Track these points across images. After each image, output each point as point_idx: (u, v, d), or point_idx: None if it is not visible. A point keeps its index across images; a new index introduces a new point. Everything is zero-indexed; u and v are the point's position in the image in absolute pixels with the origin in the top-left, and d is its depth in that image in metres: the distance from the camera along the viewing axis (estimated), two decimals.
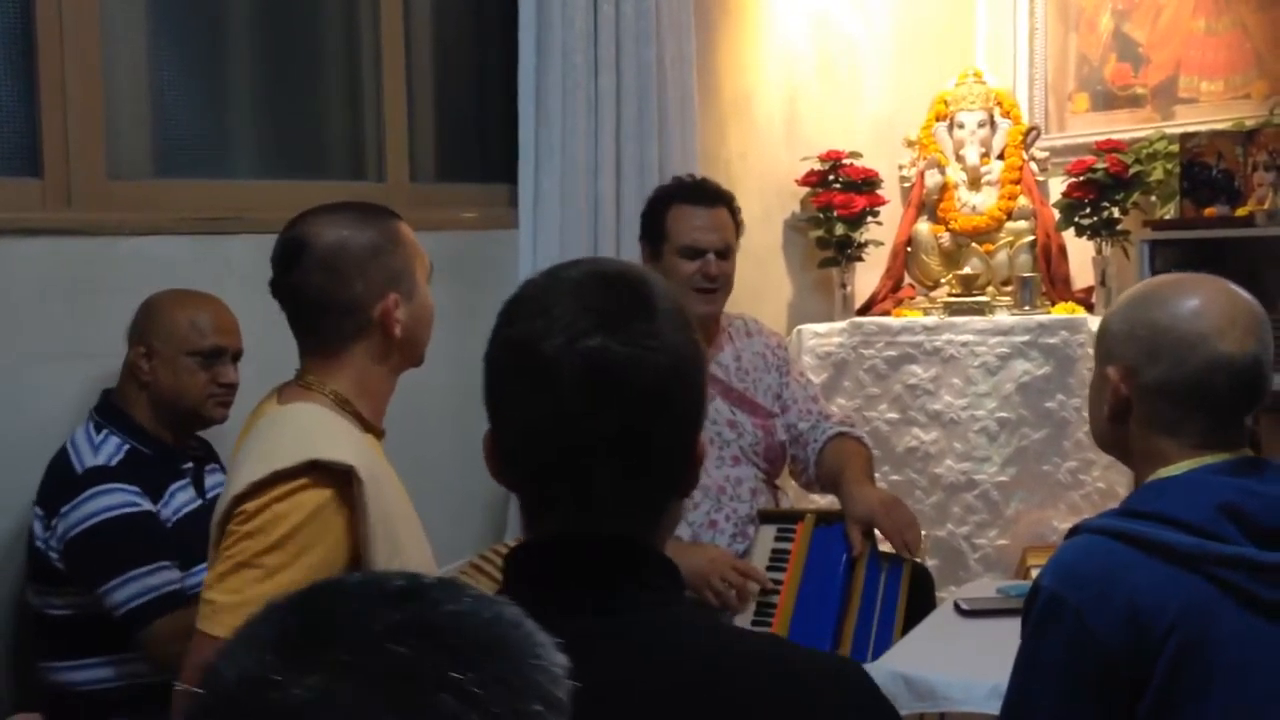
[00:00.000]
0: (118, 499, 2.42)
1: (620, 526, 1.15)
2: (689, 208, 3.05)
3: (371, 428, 1.94)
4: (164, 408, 2.56)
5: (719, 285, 3.07)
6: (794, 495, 3.53)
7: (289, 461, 1.75)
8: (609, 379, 1.10)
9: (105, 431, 2.51)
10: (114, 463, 2.47)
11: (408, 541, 1.85)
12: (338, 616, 0.73)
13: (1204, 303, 1.63)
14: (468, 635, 0.74)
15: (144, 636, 2.37)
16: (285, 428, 1.85)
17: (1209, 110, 3.93)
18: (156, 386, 2.55)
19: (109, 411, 2.55)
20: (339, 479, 1.77)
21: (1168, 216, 3.83)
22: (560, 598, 1.13)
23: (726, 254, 3.07)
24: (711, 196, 3.10)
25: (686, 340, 1.16)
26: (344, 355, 1.90)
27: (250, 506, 1.75)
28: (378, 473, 1.83)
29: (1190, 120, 3.93)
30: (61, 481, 2.46)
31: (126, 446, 2.50)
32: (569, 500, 1.15)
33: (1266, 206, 3.51)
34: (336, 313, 1.88)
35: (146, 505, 2.46)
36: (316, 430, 1.83)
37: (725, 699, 1.08)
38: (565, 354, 1.11)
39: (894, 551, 2.78)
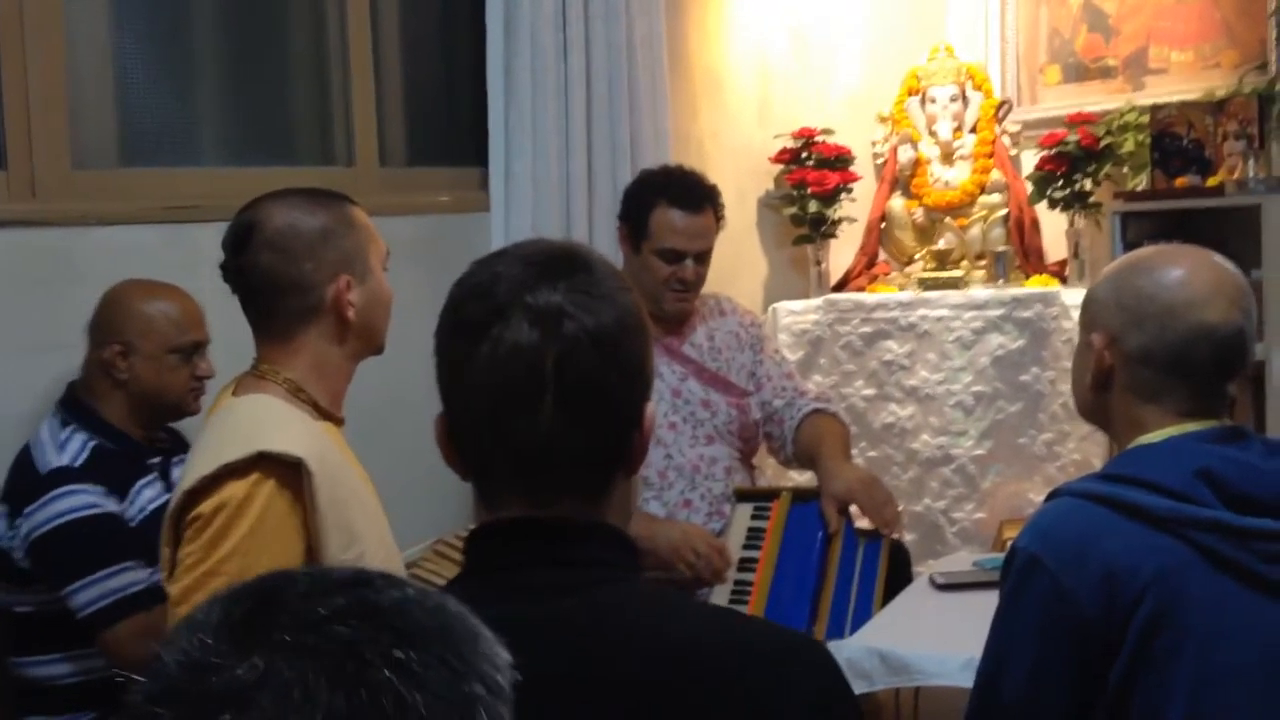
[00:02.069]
0: (81, 500, 2.39)
1: (566, 507, 1.16)
2: (675, 211, 3.03)
3: (329, 415, 1.92)
4: (142, 404, 2.53)
5: (692, 287, 3.07)
6: (770, 474, 3.53)
7: (238, 454, 1.74)
8: (557, 320, 1.13)
9: (70, 428, 2.48)
10: (79, 462, 2.44)
11: (365, 529, 1.83)
12: (281, 602, 0.73)
13: (1189, 273, 1.64)
14: (410, 618, 0.74)
15: (107, 638, 2.35)
16: (236, 420, 1.83)
17: (1179, 81, 3.93)
18: (136, 384, 2.51)
19: (75, 407, 2.52)
20: (289, 470, 1.75)
21: (1139, 188, 3.84)
22: (507, 581, 1.14)
23: (704, 258, 3.07)
24: (699, 199, 3.06)
25: (631, 302, 1.19)
26: (297, 339, 1.89)
27: (206, 508, 1.73)
28: (331, 460, 1.81)
29: (1161, 91, 3.93)
30: (25, 481, 2.43)
31: (92, 443, 2.47)
32: (515, 480, 1.16)
33: (1236, 176, 3.52)
34: (286, 294, 1.87)
35: (111, 506, 2.43)
36: (266, 421, 1.81)
37: (674, 678, 1.08)
38: (513, 304, 1.14)
39: (871, 528, 2.79)
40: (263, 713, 0.67)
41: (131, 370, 2.51)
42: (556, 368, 1.12)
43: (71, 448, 2.45)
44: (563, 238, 3.38)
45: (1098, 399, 1.70)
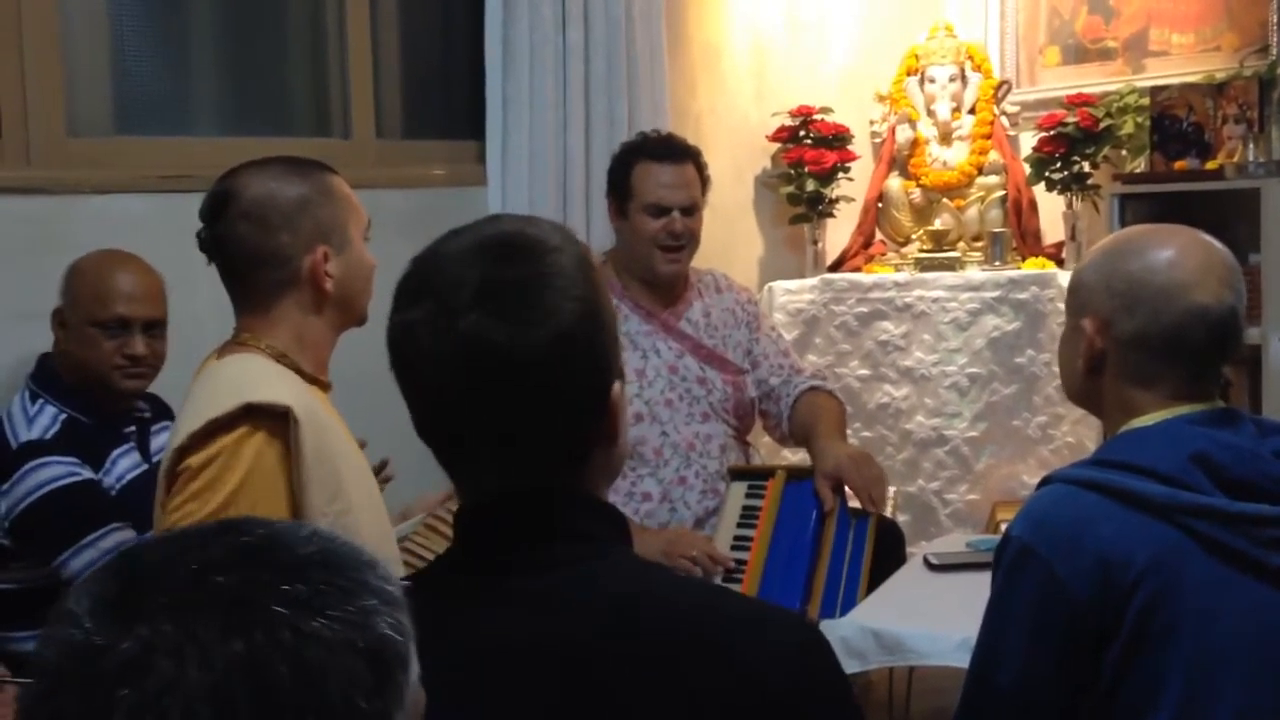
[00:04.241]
0: (57, 470, 2.38)
1: (538, 484, 1.15)
2: (655, 165, 3.04)
3: (315, 380, 1.90)
4: (78, 377, 2.50)
5: (684, 243, 3.06)
6: (765, 452, 3.53)
7: (224, 408, 1.72)
8: (477, 354, 1.10)
9: (40, 401, 2.46)
10: (49, 435, 2.42)
11: (351, 485, 1.81)
12: (153, 568, 0.72)
13: (1179, 253, 1.62)
14: (287, 551, 0.73)
15: None
16: (222, 377, 1.81)
17: (1179, 63, 3.91)
18: (68, 356, 2.49)
19: (45, 378, 2.50)
20: (276, 421, 1.74)
21: (1138, 170, 3.82)
22: (493, 556, 1.14)
23: (692, 211, 3.06)
24: (678, 153, 3.08)
25: (580, 303, 1.13)
26: (275, 310, 1.86)
27: (194, 462, 1.72)
28: (319, 414, 1.80)
29: (1161, 73, 3.92)
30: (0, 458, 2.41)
31: (63, 416, 2.45)
32: (478, 467, 1.16)
33: (1236, 159, 3.52)
34: (263, 265, 1.84)
35: (87, 474, 2.42)
36: (253, 376, 1.79)
37: (645, 649, 1.08)
38: (442, 336, 1.11)
39: (862, 507, 2.79)
40: (161, 676, 0.66)
41: (64, 342, 2.50)
42: (483, 405, 1.11)
43: (41, 421, 2.44)
44: (555, 213, 3.37)
45: (1089, 383, 1.68)
